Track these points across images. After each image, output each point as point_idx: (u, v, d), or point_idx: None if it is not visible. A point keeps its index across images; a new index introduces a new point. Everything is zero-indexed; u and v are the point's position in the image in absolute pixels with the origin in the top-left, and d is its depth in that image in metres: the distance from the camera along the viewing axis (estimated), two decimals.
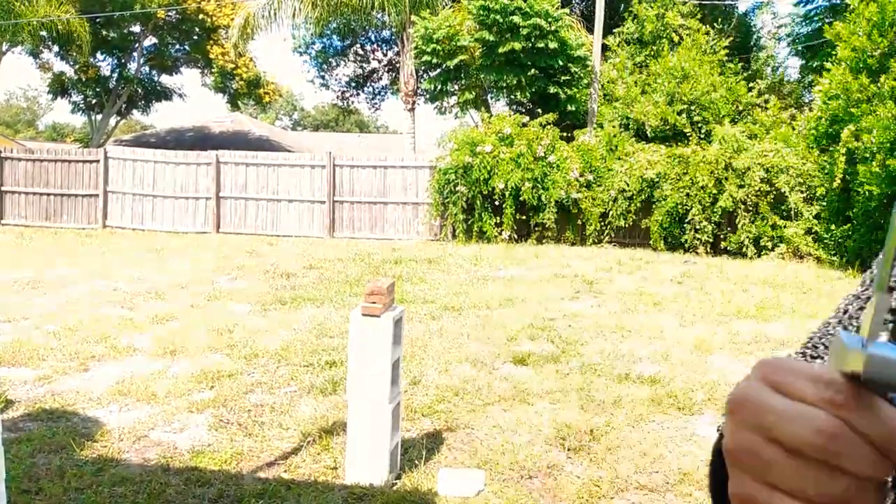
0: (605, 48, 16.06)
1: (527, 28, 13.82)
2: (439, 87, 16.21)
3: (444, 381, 4.69)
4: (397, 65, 22.99)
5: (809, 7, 19.21)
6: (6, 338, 5.71)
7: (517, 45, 13.93)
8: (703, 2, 17.12)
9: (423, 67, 16.28)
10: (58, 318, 6.38)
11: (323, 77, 27.79)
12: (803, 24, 19.55)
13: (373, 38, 26.29)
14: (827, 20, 15.03)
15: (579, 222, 13.16)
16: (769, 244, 12.00)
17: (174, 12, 23.26)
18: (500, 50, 14.13)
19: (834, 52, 10.83)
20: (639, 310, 7.19)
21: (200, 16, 23.60)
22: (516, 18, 13.74)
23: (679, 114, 14.19)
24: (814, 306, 7.41)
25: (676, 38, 15.77)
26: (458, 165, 13.19)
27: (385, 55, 27.14)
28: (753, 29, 20.85)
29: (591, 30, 15.72)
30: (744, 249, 12.02)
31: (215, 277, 8.89)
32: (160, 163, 15.35)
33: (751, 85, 15.45)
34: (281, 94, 36.42)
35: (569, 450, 3.66)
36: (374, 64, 27.80)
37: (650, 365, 5.22)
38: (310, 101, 78.58)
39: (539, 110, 14.41)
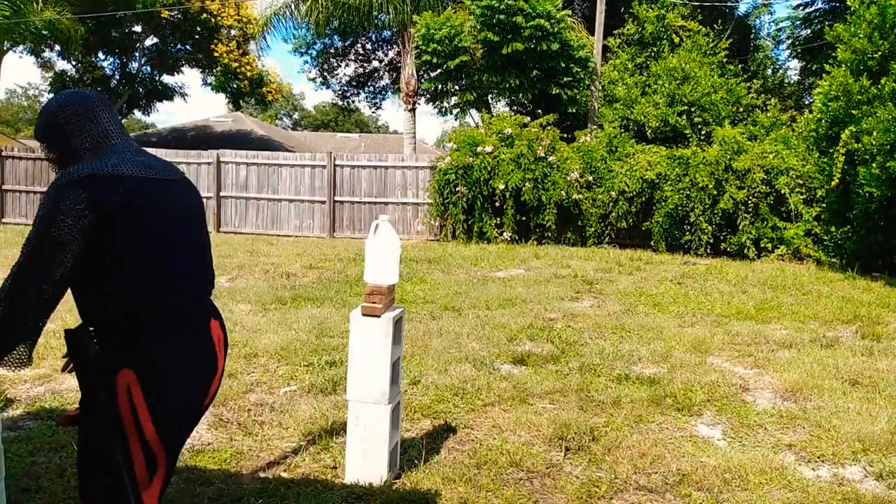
0: (605, 49, 16.07)
1: (529, 29, 13.83)
2: (440, 87, 16.22)
3: (444, 381, 4.69)
4: (398, 65, 23.01)
5: (809, 10, 19.23)
6: None
7: (519, 46, 13.93)
8: (703, 2, 17.12)
9: (423, 67, 16.29)
10: (57, 317, 6.38)
11: (324, 77, 27.80)
12: (803, 26, 19.57)
13: (374, 38, 26.29)
14: (827, 22, 15.04)
15: (580, 223, 13.17)
16: (769, 245, 12.01)
17: (176, 11, 23.27)
18: (503, 51, 14.14)
19: (834, 55, 10.84)
20: (638, 310, 7.19)
21: (203, 15, 23.60)
22: (519, 19, 13.75)
23: (679, 115, 14.20)
24: (813, 308, 7.42)
25: (677, 40, 15.78)
26: (458, 166, 13.20)
27: (386, 55, 27.16)
28: (753, 30, 20.87)
29: (591, 31, 15.74)
30: (744, 251, 12.03)
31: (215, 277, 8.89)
32: None
33: (748, 85, 15.48)
34: (283, 94, 36.44)
35: (568, 450, 3.66)
36: (375, 64, 27.81)
37: (650, 365, 5.22)
38: (310, 100, 78.65)
39: (540, 111, 14.41)
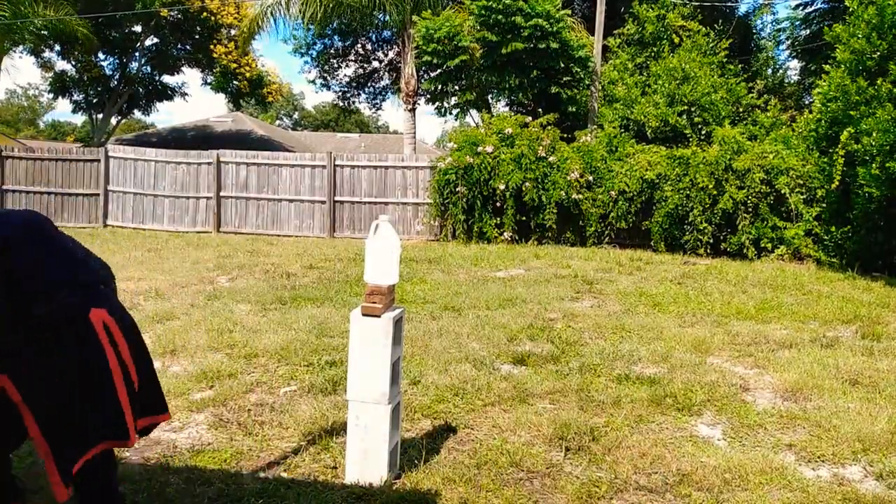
0: (605, 49, 16.07)
1: (529, 29, 13.83)
2: (440, 87, 16.21)
3: (444, 381, 4.70)
4: (398, 65, 23.00)
5: (809, 10, 19.23)
6: None
7: (519, 46, 13.93)
8: (703, 2, 17.12)
9: (423, 68, 16.28)
10: None
11: (324, 77, 27.79)
12: (802, 27, 19.57)
13: (374, 38, 26.29)
14: (826, 23, 15.04)
15: (580, 223, 13.17)
16: (769, 245, 12.01)
17: (176, 11, 23.25)
18: (503, 51, 14.14)
19: (833, 55, 10.84)
20: (638, 310, 7.19)
21: (203, 14, 23.58)
22: (518, 19, 13.75)
23: (679, 115, 14.20)
24: (813, 308, 7.42)
25: (677, 40, 15.77)
26: (458, 166, 13.20)
27: (386, 55, 27.15)
28: (753, 30, 20.87)
29: (591, 31, 15.74)
30: (744, 251, 12.03)
31: (215, 277, 8.90)
32: (161, 162, 15.37)
33: (750, 85, 15.47)
34: (283, 94, 36.40)
35: (568, 450, 3.67)
36: (375, 64, 27.80)
37: (650, 365, 5.23)
38: (310, 100, 78.66)
39: (540, 111, 14.41)
